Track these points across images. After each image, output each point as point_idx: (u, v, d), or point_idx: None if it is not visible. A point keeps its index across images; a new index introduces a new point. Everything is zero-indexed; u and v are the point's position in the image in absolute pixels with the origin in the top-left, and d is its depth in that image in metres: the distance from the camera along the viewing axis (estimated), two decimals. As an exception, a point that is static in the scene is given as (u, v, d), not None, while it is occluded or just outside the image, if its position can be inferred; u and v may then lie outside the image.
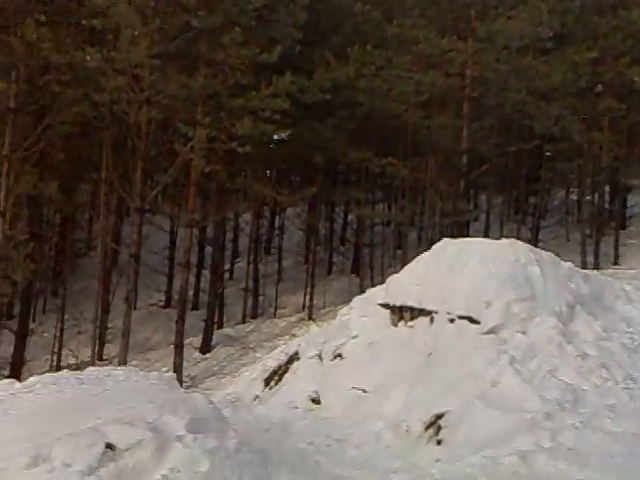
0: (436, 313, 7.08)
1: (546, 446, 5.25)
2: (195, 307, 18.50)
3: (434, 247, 7.88)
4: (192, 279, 17.76)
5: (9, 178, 11.69)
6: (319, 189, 16.87)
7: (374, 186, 20.90)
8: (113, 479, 3.49)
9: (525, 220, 21.59)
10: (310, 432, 6.52)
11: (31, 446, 3.46)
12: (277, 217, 23.99)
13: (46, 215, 18.92)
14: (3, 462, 3.34)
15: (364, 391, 6.99)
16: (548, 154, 19.58)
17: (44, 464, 3.39)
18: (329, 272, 21.45)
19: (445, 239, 7.90)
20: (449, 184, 14.86)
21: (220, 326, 17.62)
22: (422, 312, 7.23)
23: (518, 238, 9.21)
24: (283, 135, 13.70)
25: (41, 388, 4.65)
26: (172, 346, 14.07)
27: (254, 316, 18.66)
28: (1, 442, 3.58)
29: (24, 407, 4.26)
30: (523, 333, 6.75)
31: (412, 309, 7.35)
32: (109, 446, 3.58)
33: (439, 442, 5.89)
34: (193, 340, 15.97)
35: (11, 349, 14.64)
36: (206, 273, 18.53)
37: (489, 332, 6.77)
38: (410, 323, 7.38)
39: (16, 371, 13.99)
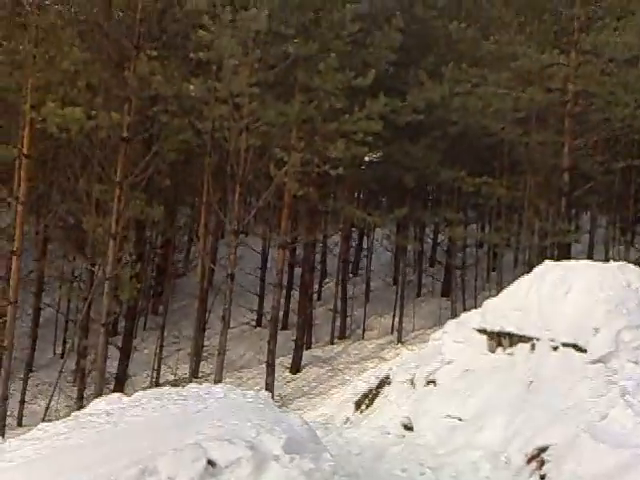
0: (538, 340, 6.72)
1: (663, 487, 4.79)
2: (285, 327, 18.76)
3: (535, 270, 7.52)
4: (282, 299, 18.04)
5: (120, 203, 12.47)
6: (409, 209, 16.72)
7: (466, 206, 20.40)
8: (213, 495, 3.55)
9: (633, 241, 20.18)
10: (403, 459, 6.35)
11: (139, 458, 3.60)
12: (365, 238, 23.97)
13: (149, 237, 20.03)
14: (115, 473, 3.51)
15: (460, 419, 6.73)
16: (660, 170, 18.22)
17: (151, 477, 3.52)
18: (418, 294, 21.08)
19: (547, 262, 7.52)
20: (549, 203, 14.22)
21: (309, 346, 17.74)
22: (522, 339, 6.90)
23: (626, 261, 8.60)
24: (375, 157, 13.75)
25: (147, 403, 4.85)
26: (263, 365, 14.33)
27: (342, 337, 18.64)
28: (112, 454, 3.77)
29: (132, 421, 4.46)
30: (636, 363, 6.26)
31: (511, 335, 7.03)
32: (210, 462, 3.66)
33: (542, 477, 5.53)
34: (283, 359, 16.17)
35: (115, 364, 15.46)
36: (295, 293, 18.77)
37: (597, 361, 6.33)
38: (509, 350, 7.06)
39: (120, 385, 14.75)
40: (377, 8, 14.83)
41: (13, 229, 12.98)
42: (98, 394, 11.16)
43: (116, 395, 5.73)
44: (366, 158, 14.68)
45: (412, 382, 7.63)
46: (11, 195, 13.13)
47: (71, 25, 13.44)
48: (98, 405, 5.35)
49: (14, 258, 12.70)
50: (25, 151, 12.69)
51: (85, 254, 14.69)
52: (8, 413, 12.71)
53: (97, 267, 13.66)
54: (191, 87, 12.54)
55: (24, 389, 14.78)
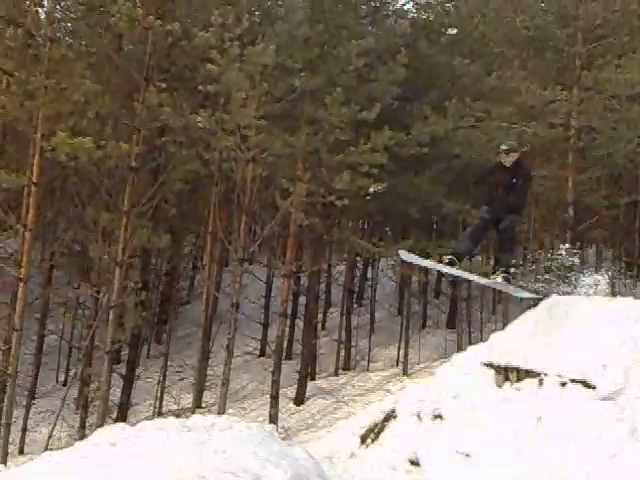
0: (545, 375, 6.66)
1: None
2: (289, 357, 18.62)
3: (542, 304, 7.50)
4: (286, 329, 17.94)
5: (126, 232, 12.57)
6: (414, 240, 16.75)
7: (471, 238, 20.39)
8: (220, 531, 3.51)
9: (639, 276, 20.12)
10: (409, 495, 6.26)
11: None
12: (370, 268, 23.96)
13: (154, 265, 20.06)
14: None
15: (467, 455, 6.63)
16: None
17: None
18: (423, 325, 20.94)
19: (554, 296, 7.51)
20: (554, 237, 14.24)
21: (313, 377, 17.57)
22: (530, 373, 6.84)
23: (633, 295, 8.58)
24: (379, 188, 13.88)
25: (151, 434, 4.82)
26: (267, 395, 14.19)
27: (346, 368, 18.48)
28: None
29: (136, 452, 4.43)
30: (644, 400, 6.19)
31: (518, 370, 6.97)
32: (217, 497, 3.63)
33: (552, 518, 5.44)
34: (287, 390, 16.02)
35: (118, 393, 15.33)
36: (299, 323, 18.70)
37: (606, 398, 6.26)
38: (516, 385, 6.99)
39: (122, 414, 14.60)
40: (382, 44, 15.08)
41: (20, 256, 13.05)
42: (101, 423, 11.07)
43: (119, 425, 5.69)
44: (371, 189, 14.78)
45: (418, 416, 7.54)
46: (19, 222, 13.24)
47: (82, 58, 13.73)
48: (101, 435, 5.31)
49: (21, 285, 12.73)
50: (34, 179, 12.83)
51: (90, 281, 14.73)
52: (9, 440, 12.59)
53: (102, 294, 13.67)
54: (199, 118, 12.74)
55: (26, 417, 14.65)
